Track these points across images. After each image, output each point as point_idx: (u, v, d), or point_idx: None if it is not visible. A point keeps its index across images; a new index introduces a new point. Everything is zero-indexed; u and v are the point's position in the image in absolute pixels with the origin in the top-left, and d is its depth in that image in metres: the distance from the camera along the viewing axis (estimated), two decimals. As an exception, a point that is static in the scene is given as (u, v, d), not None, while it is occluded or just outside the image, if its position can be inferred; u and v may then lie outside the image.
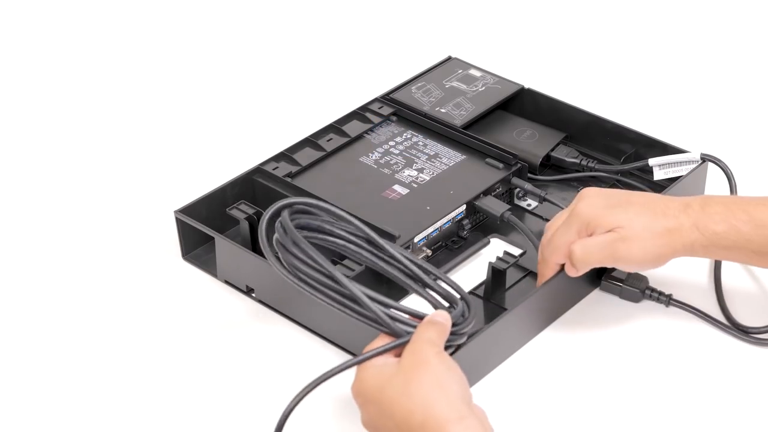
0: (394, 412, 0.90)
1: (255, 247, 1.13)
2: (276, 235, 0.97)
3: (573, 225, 1.05)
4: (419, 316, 0.96)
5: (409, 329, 0.94)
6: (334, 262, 1.10)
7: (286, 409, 0.93)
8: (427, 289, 0.99)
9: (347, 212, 0.99)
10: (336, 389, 1.01)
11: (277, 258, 0.98)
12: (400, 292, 1.08)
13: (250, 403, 1.02)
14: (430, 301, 0.98)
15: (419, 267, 0.98)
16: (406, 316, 0.95)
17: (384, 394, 0.91)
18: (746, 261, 1.05)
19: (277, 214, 0.98)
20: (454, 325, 0.97)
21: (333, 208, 0.98)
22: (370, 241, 0.99)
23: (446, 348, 0.96)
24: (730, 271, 1.14)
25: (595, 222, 1.04)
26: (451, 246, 1.17)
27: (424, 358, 0.91)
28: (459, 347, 0.99)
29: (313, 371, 0.96)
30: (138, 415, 1.02)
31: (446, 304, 0.99)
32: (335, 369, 0.94)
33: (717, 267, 1.14)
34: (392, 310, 0.95)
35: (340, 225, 0.99)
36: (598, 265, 1.06)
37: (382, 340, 0.95)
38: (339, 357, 1.06)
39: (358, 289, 0.94)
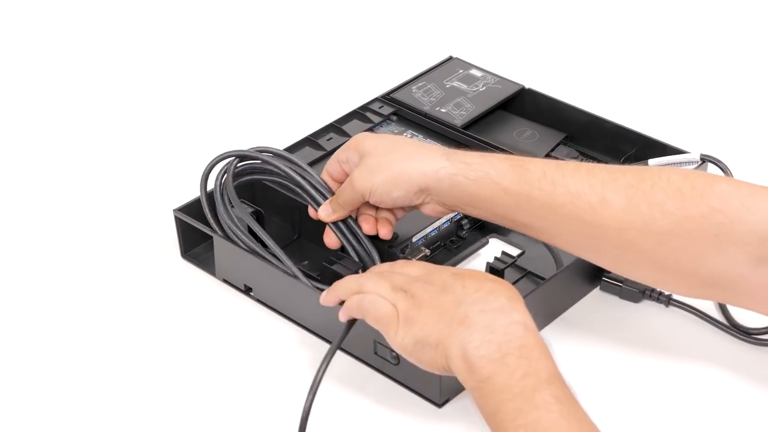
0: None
1: (254, 247, 1.13)
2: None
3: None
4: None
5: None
6: (340, 257, 1.10)
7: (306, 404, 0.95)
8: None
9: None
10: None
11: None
12: None
13: (249, 402, 1.02)
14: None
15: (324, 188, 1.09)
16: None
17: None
18: (492, 216, 1.02)
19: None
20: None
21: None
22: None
23: None
24: (730, 271, 1.14)
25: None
26: (450, 246, 1.17)
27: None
28: None
29: (311, 371, 0.96)
30: (137, 415, 1.01)
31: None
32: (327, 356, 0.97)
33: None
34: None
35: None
36: (351, 193, 1.05)
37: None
38: (338, 356, 1.06)
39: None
